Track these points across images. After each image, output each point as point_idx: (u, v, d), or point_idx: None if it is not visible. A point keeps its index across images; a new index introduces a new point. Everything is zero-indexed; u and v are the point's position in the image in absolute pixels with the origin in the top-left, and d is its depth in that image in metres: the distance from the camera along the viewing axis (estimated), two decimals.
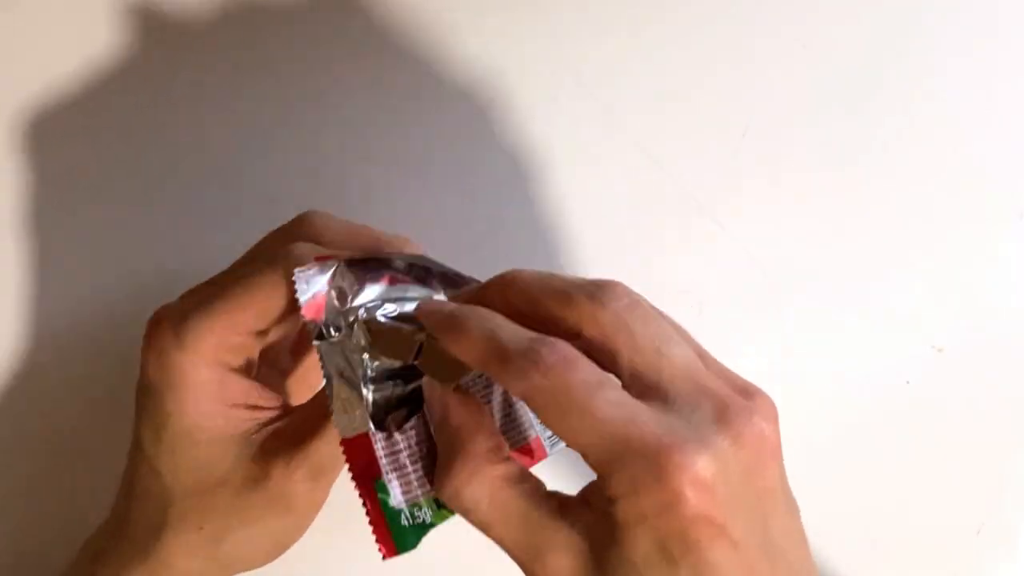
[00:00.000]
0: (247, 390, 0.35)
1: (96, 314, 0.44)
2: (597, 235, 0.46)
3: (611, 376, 0.28)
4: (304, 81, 0.45)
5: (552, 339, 0.28)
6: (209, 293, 0.34)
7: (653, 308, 0.30)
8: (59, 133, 0.44)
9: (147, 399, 0.35)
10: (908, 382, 0.46)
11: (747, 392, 0.29)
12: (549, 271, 0.31)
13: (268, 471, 0.35)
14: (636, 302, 0.30)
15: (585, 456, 0.28)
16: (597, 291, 0.29)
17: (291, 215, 0.37)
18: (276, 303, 0.33)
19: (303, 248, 0.33)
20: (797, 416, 0.46)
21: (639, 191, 0.46)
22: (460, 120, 0.45)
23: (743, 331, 0.46)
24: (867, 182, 0.47)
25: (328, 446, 0.34)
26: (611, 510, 0.27)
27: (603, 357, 0.29)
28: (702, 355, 0.30)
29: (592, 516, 0.28)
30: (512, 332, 0.29)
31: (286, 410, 0.36)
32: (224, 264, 0.36)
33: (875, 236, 0.47)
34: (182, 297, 0.35)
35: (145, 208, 0.44)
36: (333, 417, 0.32)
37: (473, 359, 0.29)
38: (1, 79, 0.44)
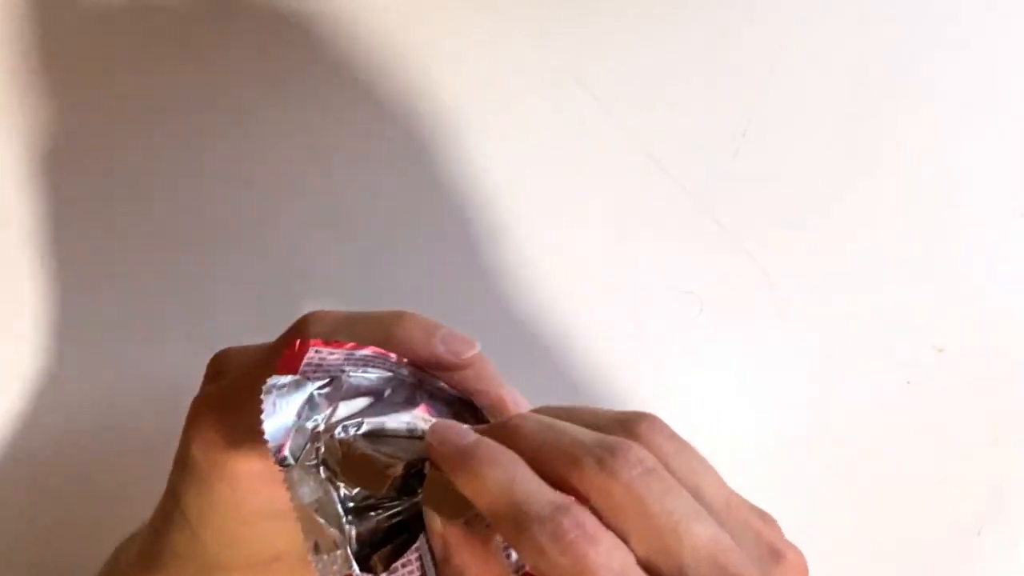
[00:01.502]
0: None
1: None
2: (597, 235, 0.46)
3: (632, 562, 0.26)
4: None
5: (575, 507, 0.25)
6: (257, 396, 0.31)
7: (682, 455, 0.27)
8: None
9: (194, 483, 0.33)
10: (908, 382, 0.46)
11: (777, 554, 0.27)
12: (565, 408, 0.28)
13: None
14: (651, 470, 0.26)
15: None
16: (608, 456, 0.26)
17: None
18: None
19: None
20: (797, 416, 0.46)
21: (639, 191, 0.46)
22: (460, 118, 0.45)
23: (743, 331, 0.46)
24: (867, 182, 0.47)
25: None
26: None
27: (616, 532, 0.26)
28: (729, 504, 0.27)
29: None
30: (534, 489, 0.26)
31: None
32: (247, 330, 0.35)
33: (875, 236, 0.47)
34: (224, 382, 0.33)
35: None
36: (310, 557, 0.28)
37: (484, 508, 0.26)
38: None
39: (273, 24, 0.45)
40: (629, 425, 0.27)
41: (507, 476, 0.26)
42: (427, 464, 0.28)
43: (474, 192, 0.45)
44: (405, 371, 0.31)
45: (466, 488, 0.27)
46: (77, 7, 0.44)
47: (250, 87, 0.45)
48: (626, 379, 0.44)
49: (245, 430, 0.31)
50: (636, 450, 0.26)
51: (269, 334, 0.33)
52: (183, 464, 0.33)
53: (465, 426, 0.28)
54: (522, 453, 0.27)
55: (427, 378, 0.31)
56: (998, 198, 0.47)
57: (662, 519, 0.25)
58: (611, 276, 0.46)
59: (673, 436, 0.27)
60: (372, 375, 0.30)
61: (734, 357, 0.46)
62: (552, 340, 0.45)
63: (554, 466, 0.26)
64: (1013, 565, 0.47)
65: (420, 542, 0.29)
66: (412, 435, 0.30)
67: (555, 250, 0.45)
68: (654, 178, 0.45)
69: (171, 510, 0.34)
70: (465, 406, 0.32)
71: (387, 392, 0.30)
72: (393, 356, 0.30)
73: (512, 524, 0.25)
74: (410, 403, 0.31)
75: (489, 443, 0.27)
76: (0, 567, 0.44)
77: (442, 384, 0.31)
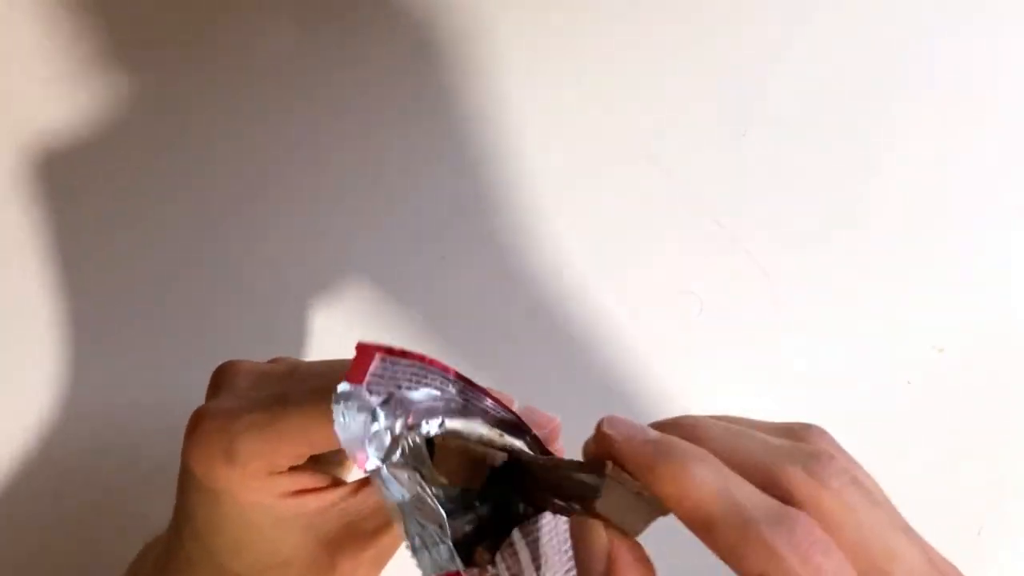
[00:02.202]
0: (300, 479, 0.33)
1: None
2: (598, 235, 0.46)
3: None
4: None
5: (801, 513, 0.23)
6: (259, 417, 0.31)
7: (867, 476, 0.26)
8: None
9: (198, 494, 0.33)
10: (908, 382, 0.46)
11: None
12: (713, 415, 0.27)
13: (335, 560, 0.33)
14: (857, 481, 0.25)
15: None
16: (814, 464, 0.24)
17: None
18: (329, 440, 0.29)
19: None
20: (797, 416, 0.46)
21: (639, 191, 0.46)
22: (458, 118, 0.45)
23: (743, 331, 0.46)
24: (867, 182, 0.47)
25: (392, 538, 0.33)
26: None
27: None
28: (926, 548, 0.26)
29: None
30: (753, 492, 0.24)
31: (336, 481, 0.34)
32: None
33: (875, 236, 0.47)
34: (224, 397, 0.33)
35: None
36: (410, 556, 0.27)
37: (689, 508, 0.24)
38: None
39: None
40: (802, 434, 0.26)
41: (721, 476, 0.24)
42: (583, 470, 0.26)
43: (470, 193, 0.45)
44: (454, 389, 0.30)
45: (668, 486, 0.24)
46: None
47: (250, 100, 0.45)
48: (626, 379, 0.44)
49: (248, 455, 0.31)
50: (838, 459, 0.25)
51: (272, 347, 0.32)
52: (187, 476, 0.33)
53: (640, 423, 0.26)
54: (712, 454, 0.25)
55: (474, 396, 0.30)
56: (998, 198, 0.47)
57: (874, 533, 0.25)
58: (611, 276, 0.46)
59: (841, 446, 0.26)
60: (422, 392, 0.29)
61: (734, 357, 0.46)
62: (552, 340, 0.45)
63: (754, 471, 0.25)
64: (1013, 565, 0.47)
65: (515, 536, 0.29)
66: (483, 442, 0.30)
67: (555, 250, 0.45)
68: (654, 178, 0.45)
69: (182, 520, 0.34)
70: (510, 427, 0.31)
71: (442, 406, 0.30)
72: (451, 370, 0.29)
73: (735, 527, 0.23)
74: (466, 417, 0.30)
75: (682, 441, 0.25)
76: None
77: (488, 403, 0.30)
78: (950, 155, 0.47)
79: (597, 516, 0.25)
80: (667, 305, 0.46)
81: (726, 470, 0.24)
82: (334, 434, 0.27)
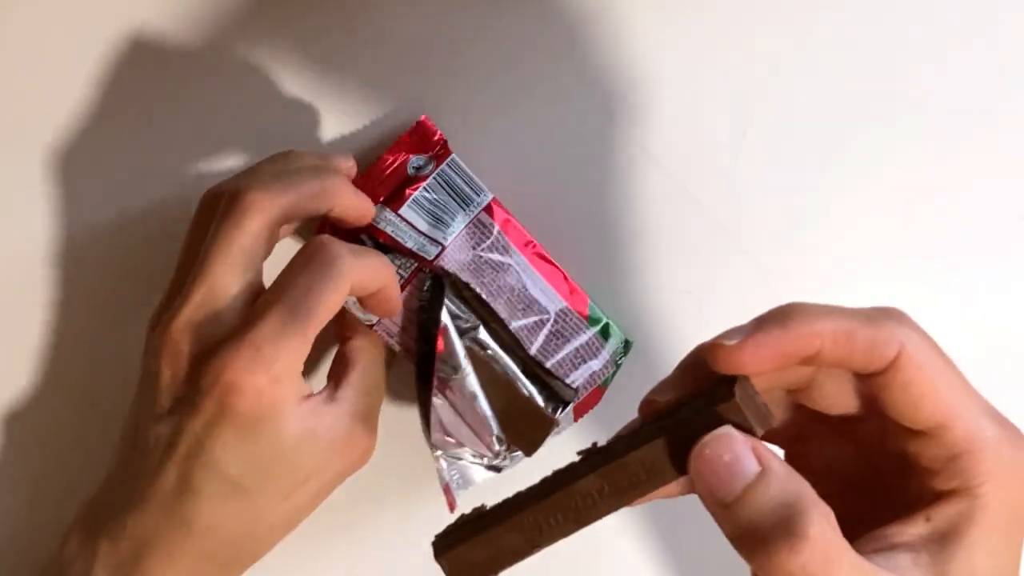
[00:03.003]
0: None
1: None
2: (598, 235, 0.46)
3: None
4: None
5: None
6: (287, 324, 0.35)
7: None
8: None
9: (234, 433, 0.35)
10: None
11: None
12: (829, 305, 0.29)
13: (351, 447, 0.38)
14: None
15: None
16: (906, 318, 0.30)
17: None
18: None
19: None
20: None
21: (639, 191, 0.46)
22: (456, 119, 0.45)
23: None
24: (867, 182, 0.47)
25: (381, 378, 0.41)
26: None
27: None
28: None
29: None
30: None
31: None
32: None
33: (875, 236, 0.47)
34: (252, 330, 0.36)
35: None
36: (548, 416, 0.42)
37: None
38: None
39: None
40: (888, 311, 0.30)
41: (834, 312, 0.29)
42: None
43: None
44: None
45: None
46: None
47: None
48: (626, 380, 0.44)
49: (287, 364, 0.35)
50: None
51: None
52: (222, 416, 0.35)
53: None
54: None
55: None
56: (998, 198, 0.47)
57: (951, 377, 0.30)
58: (611, 276, 0.46)
59: None
60: None
61: None
62: None
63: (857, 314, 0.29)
64: None
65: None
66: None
67: (555, 250, 0.45)
68: (654, 178, 0.45)
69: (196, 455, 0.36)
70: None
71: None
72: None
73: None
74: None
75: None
76: None
77: None
78: (951, 155, 0.47)
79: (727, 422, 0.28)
80: (667, 305, 0.46)
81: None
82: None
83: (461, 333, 0.42)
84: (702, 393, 0.29)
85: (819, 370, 0.31)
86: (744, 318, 0.43)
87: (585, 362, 0.43)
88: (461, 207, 0.43)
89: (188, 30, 0.44)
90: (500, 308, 0.42)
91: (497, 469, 0.42)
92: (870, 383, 0.30)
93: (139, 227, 0.44)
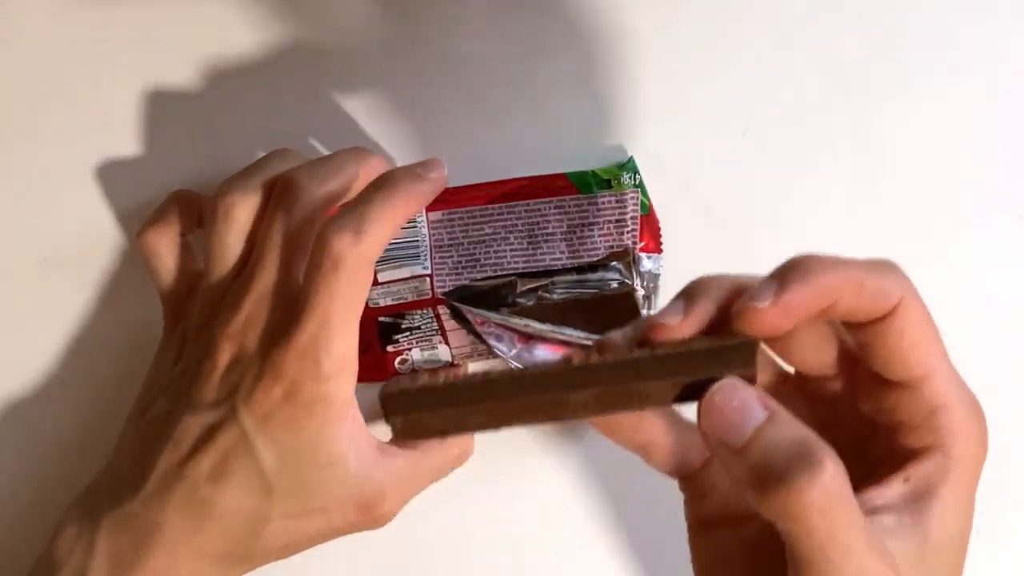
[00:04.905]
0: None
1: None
2: None
3: None
4: None
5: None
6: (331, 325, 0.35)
7: None
8: None
9: (281, 429, 0.36)
10: None
11: None
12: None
13: (375, 502, 0.37)
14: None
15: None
16: (901, 272, 0.31)
17: None
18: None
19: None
20: None
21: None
22: (453, 119, 0.45)
23: None
24: (866, 182, 0.47)
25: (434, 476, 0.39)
26: None
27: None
28: None
29: None
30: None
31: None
32: None
33: (875, 236, 0.47)
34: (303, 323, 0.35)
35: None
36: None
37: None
38: None
39: None
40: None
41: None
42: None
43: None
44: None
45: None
46: None
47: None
48: None
49: (342, 361, 0.35)
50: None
51: None
52: (271, 411, 0.35)
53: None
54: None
55: None
56: (998, 198, 0.47)
57: (933, 336, 0.31)
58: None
59: None
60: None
61: None
62: None
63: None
64: (1012, 564, 0.48)
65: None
66: None
67: None
68: (653, 178, 0.45)
69: (238, 467, 0.36)
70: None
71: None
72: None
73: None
74: None
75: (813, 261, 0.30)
76: None
77: None
78: (951, 155, 0.47)
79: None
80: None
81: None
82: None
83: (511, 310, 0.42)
84: (717, 343, 0.29)
85: (803, 324, 0.31)
86: None
87: (613, 222, 0.43)
88: (408, 226, 0.43)
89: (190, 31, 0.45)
90: (515, 264, 0.43)
91: None
92: (862, 331, 0.30)
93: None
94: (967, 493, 0.31)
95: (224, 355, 0.37)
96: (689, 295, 0.31)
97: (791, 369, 0.34)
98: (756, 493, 0.28)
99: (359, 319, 0.36)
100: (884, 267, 0.30)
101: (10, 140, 0.44)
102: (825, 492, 0.27)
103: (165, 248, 0.41)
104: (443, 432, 0.30)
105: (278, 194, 0.38)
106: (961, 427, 0.31)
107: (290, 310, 0.36)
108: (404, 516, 0.39)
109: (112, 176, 0.45)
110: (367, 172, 0.39)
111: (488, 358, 0.44)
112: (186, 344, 0.39)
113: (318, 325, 0.35)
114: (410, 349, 0.44)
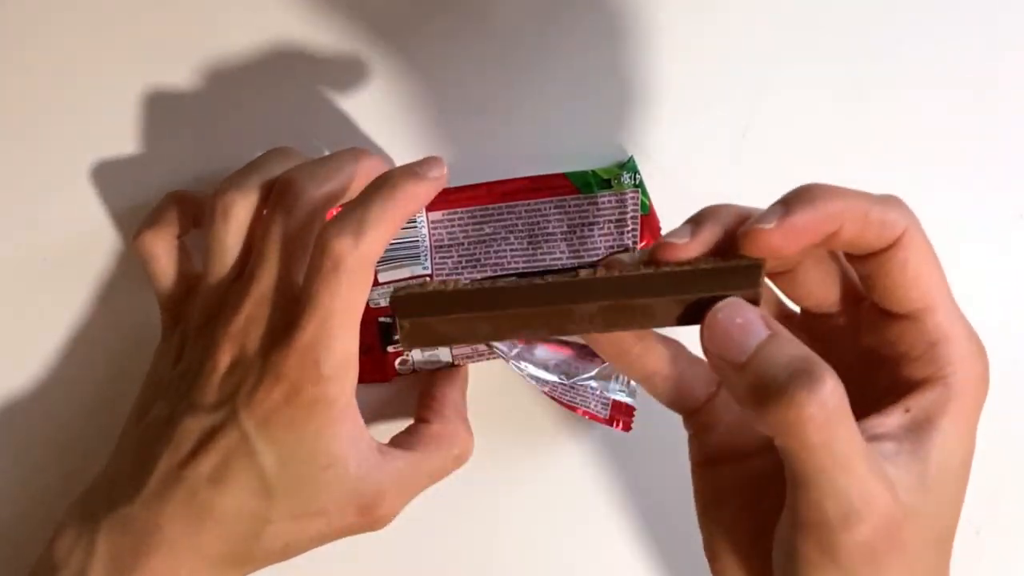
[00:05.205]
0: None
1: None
2: None
3: None
4: None
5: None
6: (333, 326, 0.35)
7: None
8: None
9: (282, 430, 0.36)
10: None
11: None
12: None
13: (374, 504, 0.37)
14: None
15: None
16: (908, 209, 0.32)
17: None
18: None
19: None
20: None
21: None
22: (453, 120, 0.45)
23: None
24: (867, 183, 0.46)
25: (434, 478, 0.39)
26: None
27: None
28: None
29: None
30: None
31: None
32: None
33: None
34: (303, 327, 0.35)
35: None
36: None
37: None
38: None
39: None
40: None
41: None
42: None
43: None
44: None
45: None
46: None
47: None
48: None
49: (344, 367, 0.35)
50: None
51: None
52: (270, 414, 0.35)
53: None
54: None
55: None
56: (998, 198, 0.47)
57: (937, 269, 0.32)
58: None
59: None
60: None
61: None
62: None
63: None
64: (1012, 565, 0.48)
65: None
66: None
67: None
68: (653, 178, 0.45)
69: (239, 468, 0.36)
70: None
71: None
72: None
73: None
74: None
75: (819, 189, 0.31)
76: None
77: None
78: (950, 155, 0.47)
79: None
80: None
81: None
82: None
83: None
84: (723, 264, 0.30)
85: (807, 257, 0.32)
86: None
87: (614, 221, 0.43)
88: (408, 227, 0.43)
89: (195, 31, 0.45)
90: (515, 264, 0.43)
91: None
92: (865, 263, 0.31)
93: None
94: (968, 425, 0.31)
95: (224, 356, 0.37)
96: (697, 220, 0.32)
97: (796, 308, 0.34)
98: (756, 408, 0.28)
99: (360, 320, 0.36)
100: (889, 200, 0.31)
101: (9, 140, 0.44)
102: (824, 407, 0.27)
103: (162, 251, 0.41)
104: (451, 339, 0.30)
105: (277, 195, 0.38)
106: (962, 360, 0.31)
107: (290, 311, 0.36)
108: (410, 512, 0.39)
109: (111, 177, 0.44)
110: (366, 172, 0.39)
111: (488, 359, 0.44)
112: (185, 346, 0.39)
113: (318, 326, 0.35)
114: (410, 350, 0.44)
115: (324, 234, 0.35)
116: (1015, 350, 0.47)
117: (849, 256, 0.32)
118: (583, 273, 0.30)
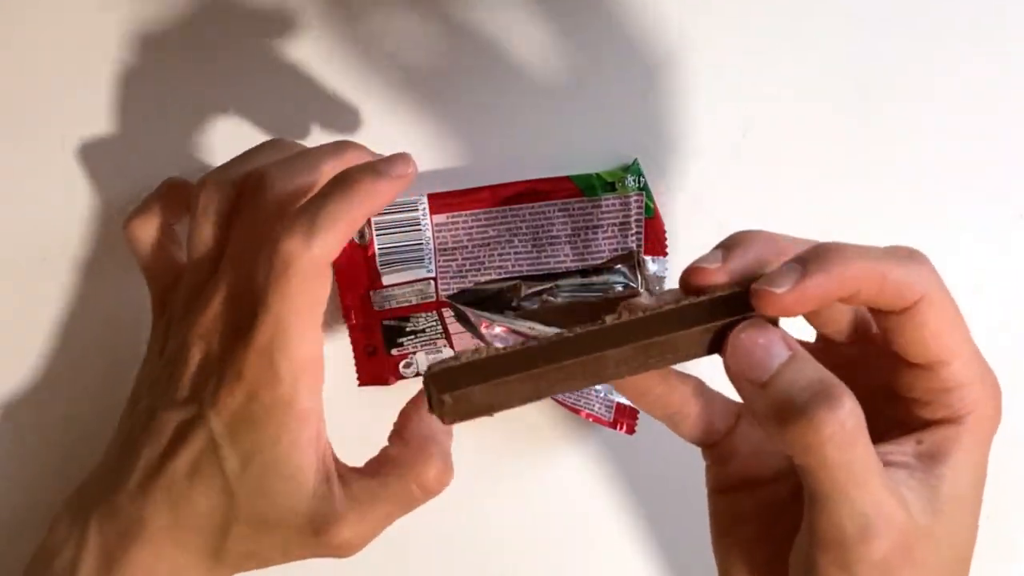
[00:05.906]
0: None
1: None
2: None
3: None
4: None
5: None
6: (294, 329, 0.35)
7: None
8: None
9: (243, 432, 0.35)
10: None
11: None
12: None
13: (330, 526, 0.36)
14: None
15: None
16: (927, 264, 0.31)
17: None
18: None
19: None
20: None
21: None
22: (457, 123, 0.45)
23: None
24: (867, 182, 0.47)
25: (397, 507, 0.37)
26: None
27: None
28: None
29: None
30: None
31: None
32: None
33: (875, 236, 0.46)
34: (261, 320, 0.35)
35: None
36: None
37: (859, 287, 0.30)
38: None
39: None
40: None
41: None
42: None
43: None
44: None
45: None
46: None
47: None
48: None
49: (302, 371, 0.35)
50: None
51: None
52: (238, 416, 0.35)
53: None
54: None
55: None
56: (998, 198, 0.47)
57: (961, 328, 0.32)
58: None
59: None
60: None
61: None
62: None
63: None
64: (1013, 565, 0.48)
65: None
66: None
67: None
68: (657, 180, 0.45)
69: (201, 467, 0.36)
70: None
71: None
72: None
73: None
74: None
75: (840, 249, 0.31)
76: None
77: None
78: (951, 155, 0.47)
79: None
80: None
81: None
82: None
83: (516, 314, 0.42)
84: (742, 290, 0.30)
85: None
86: None
87: (618, 224, 0.43)
88: (412, 230, 0.43)
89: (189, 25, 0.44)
90: (519, 267, 0.43)
91: None
92: (884, 318, 0.31)
93: None
94: (980, 454, 0.32)
95: (195, 353, 0.36)
96: (728, 245, 0.32)
97: (812, 335, 0.34)
98: (777, 426, 0.28)
99: (320, 322, 0.35)
100: (909, 260, 0.30)
101: (4, 136, 0.44)
102: (843, 427, 0.27)
103: (149, 237, 0.40)
104: (491, 407, 0.30)
105: (249, 189, 0.37)
106: (976, 403, 0.31)
107: (253, 310, 0.35)
108: (413, 513, 0.38)
109: (110, 174, 0.44)
110: (343, 166, 0.37)
111: None
112: (169, 336, 0.39)
113: (274, 328, 0.34)
114: (415, 352, 0.43)
115: (275, 232, 0.34)
116: (1015, 350, 0.47)
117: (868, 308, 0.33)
118: (608, 319, 0.30)
